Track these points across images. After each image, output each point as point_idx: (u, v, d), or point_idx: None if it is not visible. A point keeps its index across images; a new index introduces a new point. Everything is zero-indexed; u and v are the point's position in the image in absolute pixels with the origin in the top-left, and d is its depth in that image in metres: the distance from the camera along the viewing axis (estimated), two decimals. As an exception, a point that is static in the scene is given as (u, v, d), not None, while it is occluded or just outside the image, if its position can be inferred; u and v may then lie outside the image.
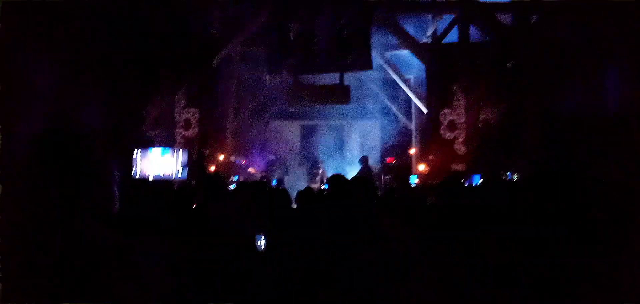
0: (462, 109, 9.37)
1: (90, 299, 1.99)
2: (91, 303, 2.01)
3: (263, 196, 4.60)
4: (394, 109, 14.00)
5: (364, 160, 12.12)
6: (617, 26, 7.37)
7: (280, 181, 9.07)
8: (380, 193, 10.47)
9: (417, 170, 11.68)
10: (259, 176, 11.36)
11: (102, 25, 8.30)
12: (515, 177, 7.17)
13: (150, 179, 7.96)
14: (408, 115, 13.62)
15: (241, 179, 10.68)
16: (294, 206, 5.47)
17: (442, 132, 9.42)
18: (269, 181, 9.75)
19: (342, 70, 9.67)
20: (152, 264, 2.44)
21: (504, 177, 7.13)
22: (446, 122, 9.42)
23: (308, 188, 5.72)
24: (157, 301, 2.17)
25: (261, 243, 3.27)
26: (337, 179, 3.94)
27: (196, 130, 9.55)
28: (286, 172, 12.38)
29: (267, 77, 11.61)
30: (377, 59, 10.69)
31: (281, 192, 5.84)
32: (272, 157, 12.96)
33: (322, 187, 10.68)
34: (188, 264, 2.85)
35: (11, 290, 1.96)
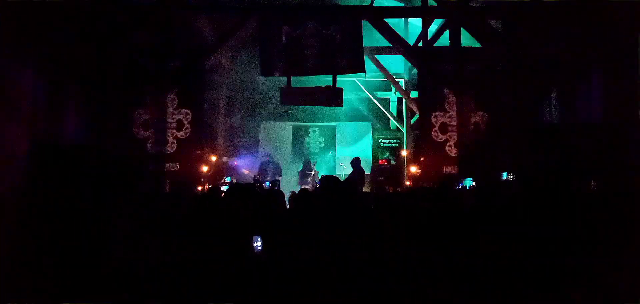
0: (453, 112, 9.45)
1: (90, 299, 2.00)
2: (91, 303, 2.02)
3: (255, 197, 4.62)
4: (386, 111, 14.08)
5: (356, 162, 12.16)
6: (603, 31, 7.50)
7: (273, 183, 9.08)
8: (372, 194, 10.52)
9: (409, 172, 11.76)
10: (252, 177, 11.35)
11: (93, 29, 8.30)
12: (510, 177, 7.21)
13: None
14: (399, 117, 13.70)
15: (234, 180, 10.69)
16: (288, 207, 5.51)
17: (433, 134, 9.49)
18: (262, 183, 9.75)
19: (334, 73, 9.71)
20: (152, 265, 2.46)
21: (499, 179, 7.18)
22: (438, 124, 9.49)
23: (303, 189, 5.76)
24: (157, 301, 2.18)
25: (258, 244, 3.29)
26: (329, 181, 3.97)
27: (188, 131, 9.53)
28: (279, 173, 12.39)
29: (260, 79, 11.62)
30: (369, 61, 10.76)
31: (276, 193, 5.88)
32: (265, 158, 12.96)
33: (317, 187, 10.69)
34: (186, 265, 2.87)
35: (11, 290, 1.97)
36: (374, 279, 2.83)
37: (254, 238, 3.25)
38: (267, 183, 9.20)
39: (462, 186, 7.78)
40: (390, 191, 10.86)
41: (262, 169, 12.32)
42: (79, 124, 8.08)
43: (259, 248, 3.24)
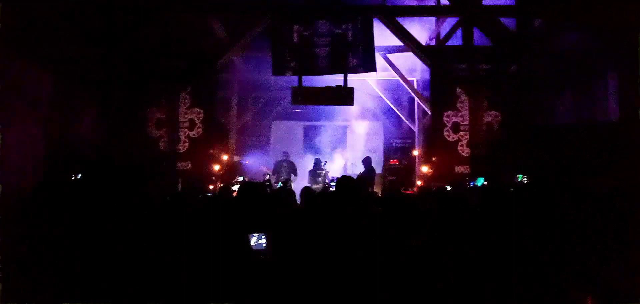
0: (466, 111, 9.38)
1: (90, 299, 2.00)
2: (91, 303, 2.02)
3: (264, 196, 4.63)
4: (397, 111, 14.03)
5: (367, 160, 12.15)
6: (617, 31, 7.39)
7: (285, 182, 9.10)
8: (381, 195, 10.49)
9: (420, 172, 11.71)
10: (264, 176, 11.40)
11: (106, 31, 8.40)
12: (524, 179, 7.13)
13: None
14: (411, 116, 13.64)
15: (246, 179, 10.73)
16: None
17: (446, 134, 9.43)
18: (273, 182, 9.78)
19: (346, 72, 9.69)
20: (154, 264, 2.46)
21: (511, 180, 7.11)
22: (450, 124, 9.44)
23: (306, 188, 5.76)
24: (157, 301, 2.18)
25: (263, 241, 3.29)
26: (345, 181, 3.95)
27: (200, 130, 9.60)
28: (294, 172, 12.41)
29: (271, 79, 11.66)
30: (381, 61, 10.73)
31: (285, 192, 5.90)
32: (281, 157, 12.99)
33: (327, 186, 10.69)
34: (188, 265, 2.87)
35: (11, 290, 1.99)
36: (377, 279, 2.82)
37: (252, 235, 3.24)
38: (280, 183, 9.23)
39: (473, 185, 7.73)
40: (402, 191, 10.81)
41: (277, 168, 12.36)
42: (93, 124, 8.20)
43: (264, 245, 3.24)
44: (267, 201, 4.17)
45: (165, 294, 2.26)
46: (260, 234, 3.23)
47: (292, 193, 6.31)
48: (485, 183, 6.89)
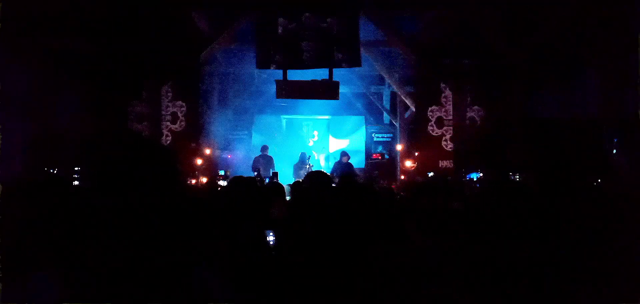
0: (450, 106, 9.48)
1: (90, 299, 1.93)
2: (91, 303, 1.95)
3: (256, 190, 4.57)
4: (379, 105, 14.09)
5: (343, 155, 12.12)
6: (598, 28, 7.56)
7: (273, 176, 9.07)
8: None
9: (403, 166, 11.79)
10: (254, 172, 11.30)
11: (90, 23, 8.18)
12: (517, 177, 7.25)
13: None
14: (394, 111, 13.70)
15: (227, 173, 10.62)
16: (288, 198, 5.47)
17: (430, 128, 9.51)
18: (263, 177, 9.73)
19: (331, 66, 9.67)
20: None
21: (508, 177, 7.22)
22: (434, 118, 9.52)
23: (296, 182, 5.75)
24: (157, 301, 2.12)
25: (270, 238, 3.26)
26: (347, 179, 3.91)
27: (183, 123, 9.46)
28: (272, 167, 12.33)
29: (255, 72, 11.55)
30: (365, 55, 10.73)
31: (277, 186, 5.85)
32: (258, 153, 12.91)
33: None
34: (189, 262, 2.79)
35: (11, 290, 1.91)
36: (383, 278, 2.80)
37: (267, 232, 3.21)
38: (267, 179, 9.19)
39: (469, 178, 7.82)
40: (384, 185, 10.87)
41: (255, 164, 12.27)
42: (75, 117, 7.99)
43: (271, 242, 3.21)
44: (260, 194, 4.11)
45: (166, 292, 2.19)
46: (268, 231, 3.20)
47: (281, 187, 6.27)
48: (481, 175, 6.98)
